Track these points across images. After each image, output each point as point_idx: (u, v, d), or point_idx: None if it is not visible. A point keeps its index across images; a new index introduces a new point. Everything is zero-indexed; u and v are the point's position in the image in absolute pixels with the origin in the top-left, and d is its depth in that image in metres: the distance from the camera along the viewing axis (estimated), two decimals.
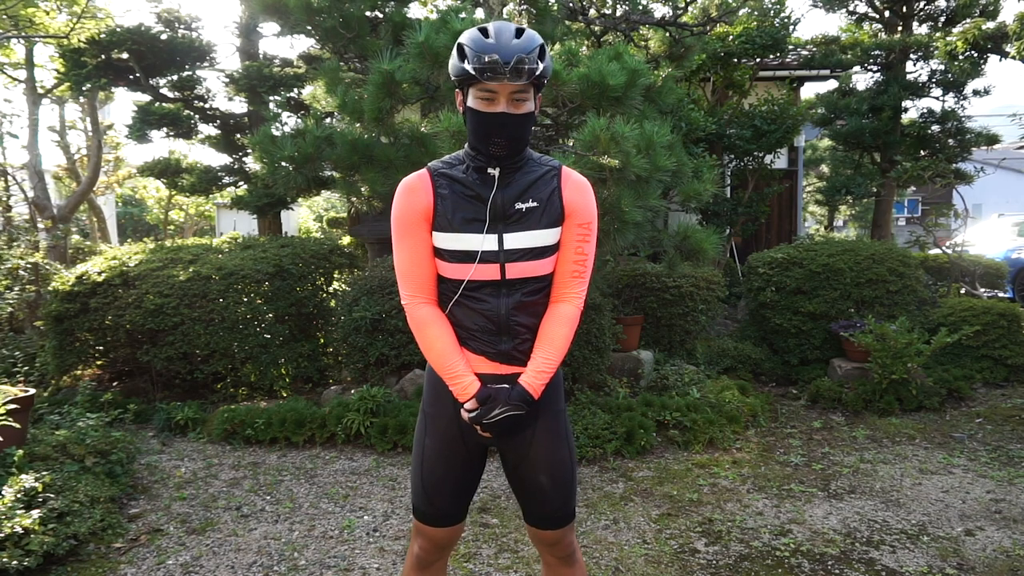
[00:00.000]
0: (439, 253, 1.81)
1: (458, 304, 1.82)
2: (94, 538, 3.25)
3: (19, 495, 3.09)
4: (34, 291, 6.67)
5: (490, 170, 1.78)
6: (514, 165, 1.80)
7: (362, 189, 4.63)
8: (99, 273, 5.53)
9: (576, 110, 4.42)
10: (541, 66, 1.67)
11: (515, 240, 1.77)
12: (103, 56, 7.73)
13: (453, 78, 1.74)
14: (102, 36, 7.66)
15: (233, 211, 11.08)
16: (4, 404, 3.44)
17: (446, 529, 1.93)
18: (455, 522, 1.94)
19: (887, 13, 10.04)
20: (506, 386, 1.79)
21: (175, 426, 4.99)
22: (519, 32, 1.69)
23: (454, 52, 1.72)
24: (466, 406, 1.78)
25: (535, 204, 1.78)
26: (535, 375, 1.79)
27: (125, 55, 7.74)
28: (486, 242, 1.76)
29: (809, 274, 6.25)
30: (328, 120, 6.19)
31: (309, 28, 5.00)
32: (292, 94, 8.49)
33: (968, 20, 9.57)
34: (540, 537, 1.95)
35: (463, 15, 4.48)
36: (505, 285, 1.79)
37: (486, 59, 1.63)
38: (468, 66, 1.65)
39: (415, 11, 10.48)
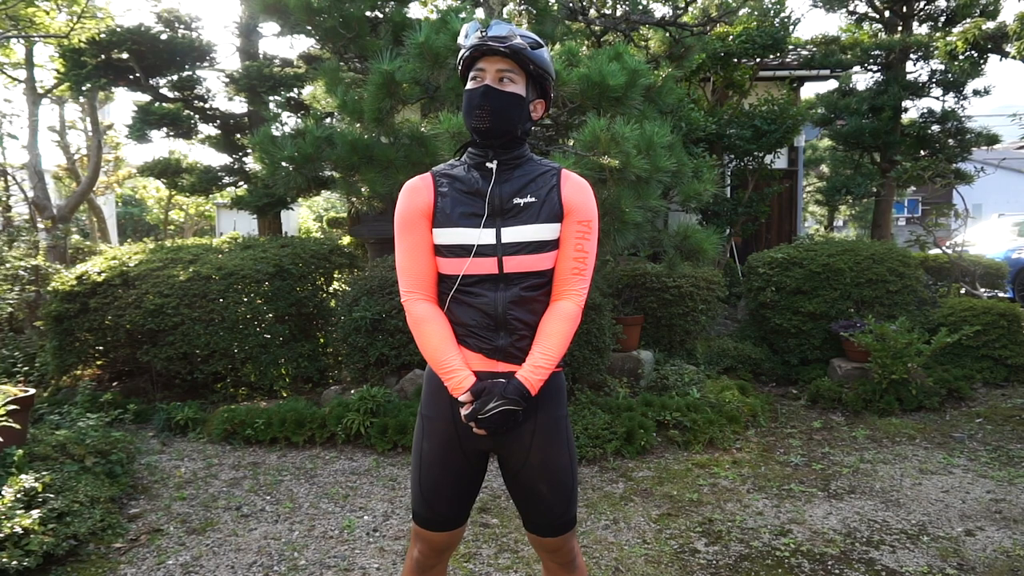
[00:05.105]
0: (438, 250, 1.82)
1: (456, 300, 1.82)
2: (94, 538, 3.25)
3: (19, 495, 3.09)
4: (34, 291, 6.67)
5: (488, 164, 1.82)
6: (512, 161, 1.83)
7: (362, 189, 4.62)
8: (99, 273, 5.53)
9: (576, 110, 4.42)
10: (527, 47, 1.77)
11: (513, 234, 1.78)
12: (103, 56, 7.73)
13: (460, 74, 1.87)
14: (102, 36, 7.66)
15: (233, 211, 11.08)
16: (4, 405, 3.44)
17: (445, 533, 1.91)
18: (455, 526, 1.92)
19: (887, 13, 10.05)
20: (502, 380, 1.78)
21: (175, 426, 4.99)
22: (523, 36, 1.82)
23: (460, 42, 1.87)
24: (460, 399, 1.77)
25: (533, 199, 1.80)
26: (532, 370, 1.78)
27: (125, 55, 7.74)
28: (483, 236, 1.78)
29: (809, 274, 6.25)
30: (328, 120, 6.19)
31: (309, 28, 4.99)
32: (292, 94, 8.48)
33: (968, 20, 9.57)
34: (541, 544, 1.94)
35: (463, 15, 4.48)
36: (503, 279, 1.79)
37: (478, 36, 1.78)
38: (464, 40, 1.81)
39: (415, 11, 10.49)
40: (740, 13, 8.01)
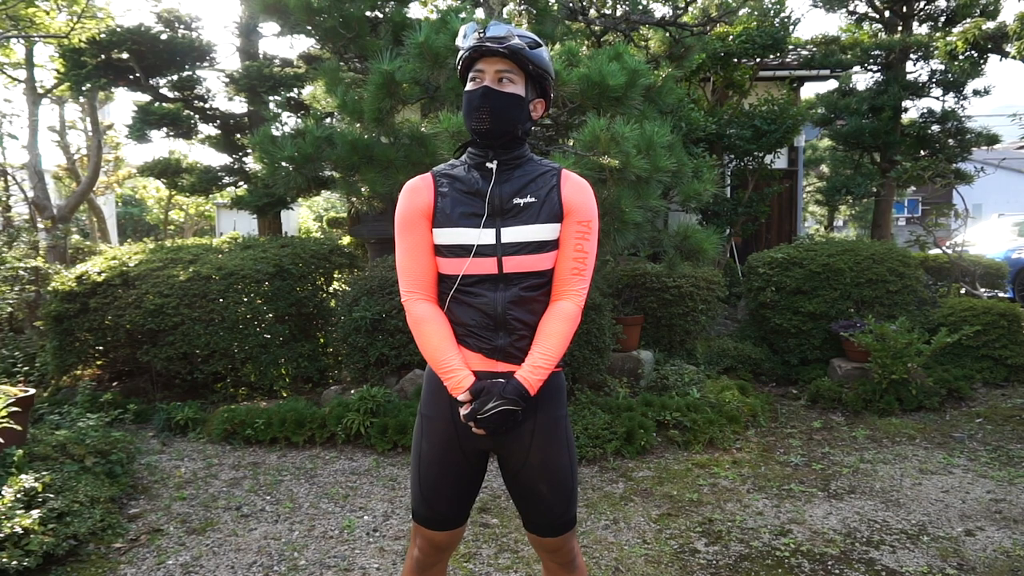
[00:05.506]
0: (438, 250, 1.82)
1: (455, 300, 1.82)
2: (94, 538, 3.25)
3: (19, 495, 3.09)
4: (34, 291, 6.67)
5: (488, 164, 1.82)
6: (512, 161, 1.83)
7: (362, 189, 4.62)
8: (99, 273, 5.53)
9: (576, 110, 4.42)
10: (525, 47, 1.77)
11: (513, 234, 1.78)
12: (103, 56, 7.73)
13: (459, 75, 1.87)
14: (102, 36, 7.66)
15: (233, 211, 11.08)
16: (5, 406, 3.44)
17: (446, 532, 1.92)
18: (455, 526, 1.92)
19: (887, 13, 10.05)
20: (501, 380, 1.78)
21: (175, 426, 4.99)
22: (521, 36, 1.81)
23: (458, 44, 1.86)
24: (459, 399, 1.77)
25: (533, 200, 1.80)
26: (532, 370, 1.78)
27: (125, 55, 7.74)
28: (483, 236, 1.78)
29: (809, 274, 6.25)
30: (328, 120, 6.18)
31: (309, 28, 4.99)
32: (292, 94, 8.48)
33: (968, 20, 9.58)
34: (541, 544, 1.94)
35: (463, 15, 4.49)
36: (503, 279, 1.79)
37: (476, 36, 1.79)
38: (462, 42, 1.81)
39: (415, 11, 10.49)
40: (740, 13, 8.00)
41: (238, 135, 8.73)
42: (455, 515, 1.91)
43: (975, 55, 9.47)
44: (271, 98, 8.27)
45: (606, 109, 3.99)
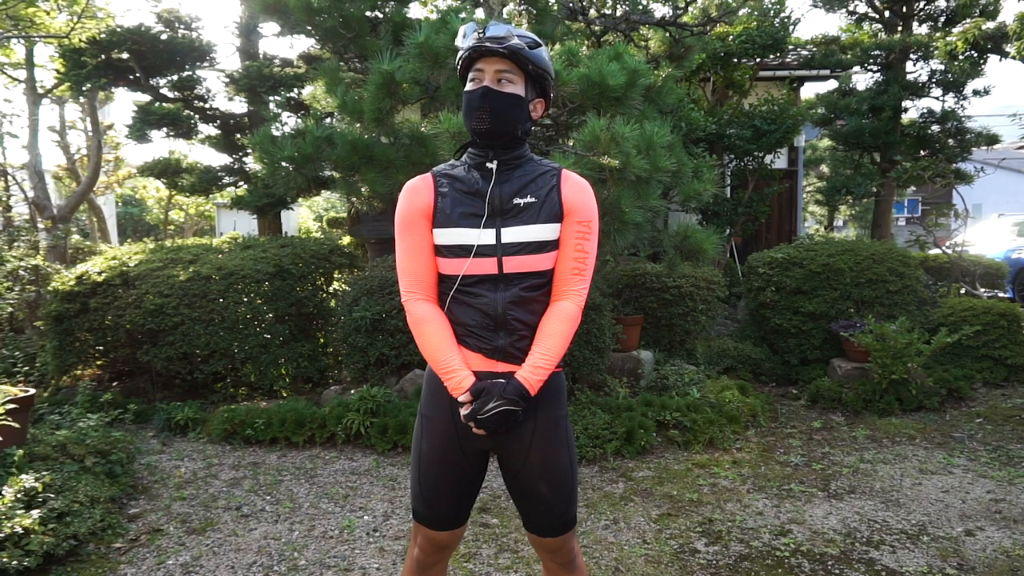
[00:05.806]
0: (438, 250, 1.82)
1: (456, 300, 1.82)
2: (94, 538, 3.25)
3: (19, 495, 3.09)
4: (34, 291, 6.67)
5: (488, 164, 1.82)
6: (512, 161, 1.83)
7: (362, 189, 4.62)
8: (99, 273, 5.53)
9: (576, 110, 4.42)
10: (525, 47, 1.77)
11: (513, 234, 1.78)
12: (103, 56, 7.73)
13: (459, 75, 1.87)
14: (102, 36, 7.66)
15: (233, 211, 11.07)
16: (4, 404, 3.44)
17: (446, 532, 1.92)
18: (455, 526, 1.92)
19: (887, 13, 10.05)
20: (501, 380, 1.78)
21: (175, 426, 4.99)
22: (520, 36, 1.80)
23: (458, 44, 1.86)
24: (460, 399, 1.77)
25: (533, 200, 1.80)
26: (532, 370, 1.78)
27: (125, 55, 7.74)
28: (483, 236, 1.78)
29: (809, 274, 6.25)
30: (328, 120, 6.18)
31: (309, 28, 4.99)
32: (292, 94, 8.48)
33: (968, 20, 9.58)
34: (541, 544, 1.94)
35: (463, 15, 4.49)
36: (503, 280, 1.79)
37: (476, 36, 1.77)
38: (462, 42, 1.81)
39: (415, 11, 10.49)
40: (740, 13, 8.00)
41: (238, 135, 8.73)
42: (455, 515, 1.91)
43: (975, 55, 9.47)
44: (271, 98, 8.27)
45: (606, 109, 3.99)
